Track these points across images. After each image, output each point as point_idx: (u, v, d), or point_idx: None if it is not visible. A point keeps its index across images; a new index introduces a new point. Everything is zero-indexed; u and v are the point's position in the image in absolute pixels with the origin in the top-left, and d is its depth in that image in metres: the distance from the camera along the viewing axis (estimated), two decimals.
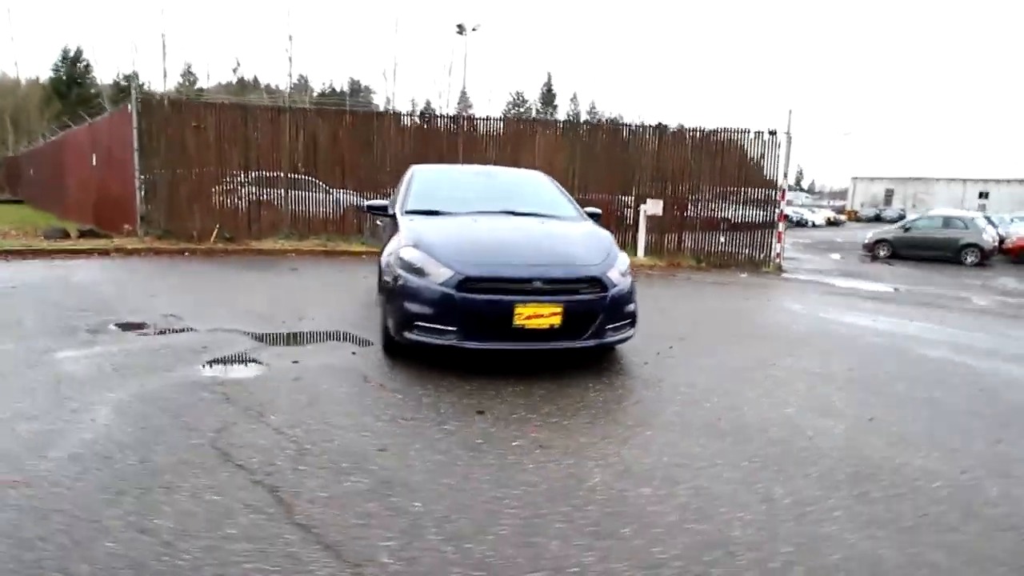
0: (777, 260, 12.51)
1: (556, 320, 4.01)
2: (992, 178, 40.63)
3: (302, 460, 2.77)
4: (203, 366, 4.23)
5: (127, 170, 11.68)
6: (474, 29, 32.63)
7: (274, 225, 12.32)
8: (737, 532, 2.34)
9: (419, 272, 4.13)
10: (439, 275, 4.03)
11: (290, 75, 37.44)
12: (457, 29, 31.91)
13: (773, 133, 12.50)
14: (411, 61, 76.07)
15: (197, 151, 11.75)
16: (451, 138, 12.71)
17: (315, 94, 42.68)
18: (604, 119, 10.88)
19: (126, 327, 5.27)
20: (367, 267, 9.65)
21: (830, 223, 37.08)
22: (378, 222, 6.01)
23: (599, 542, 2.23)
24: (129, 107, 11.42)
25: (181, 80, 41.72)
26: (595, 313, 4.13)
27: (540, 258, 4.17)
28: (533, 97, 49.22)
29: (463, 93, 42.09)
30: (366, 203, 5.64)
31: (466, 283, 3.95)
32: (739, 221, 12.65)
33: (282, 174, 12.39)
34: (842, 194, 54.30)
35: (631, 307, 4.38)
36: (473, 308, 3.95)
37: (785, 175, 12.69)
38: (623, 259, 4.49)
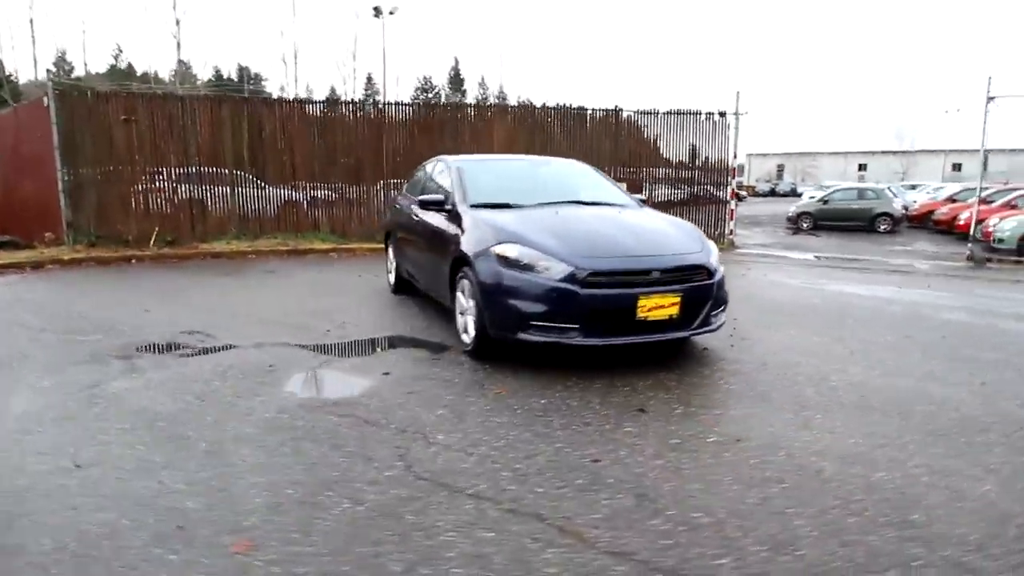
0: (730, 236, 13.12)
1: (675, 310, 3.96)
2: (869, 150, 44.83)
3: (530, 481, 2.56)
4: (291, 386, 3.82)
5: (45, 171, 10.31)
6: (391, 12, 31.47)
7: (221, 225, 11.37)
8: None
9: (527, 269, 3.93)
10: (556, 271, 3.84)
11: (180, 61, 34.42)
12: (374, 12, 30.68)
13: (723, 114, 13.04)
14: (311, 47, 72.23)
15: (128, 147, 10.60)
16: (405, 127, 12.25)
17: (200, 82, 39.58)
18: (540, 103, 10.95)
19: (155, 349, 4.66)
20: (347, 265, 9.17)
21: (737, 199, 39.33)
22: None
23: (907, 531, 2.21)
24: (45, 99, 10.07)
25: (54, 68, 37.23)
26: (705, 300, 4.11)
27: (647, 248, 4.09)
28: (441, 81, 48.50)
29: (369, 79, 40.69)
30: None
31: (589, 278, 3.81)
32: (696, 197, 13.16)
33: (226, 170, 11.45)
34: (738, 171, 57.75)
35: (725, 292, 4.40)
36: (597, 303, 3.81)
37: (735, 154, 13.28)
38: (714, 246, 4.50)
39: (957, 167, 43.56)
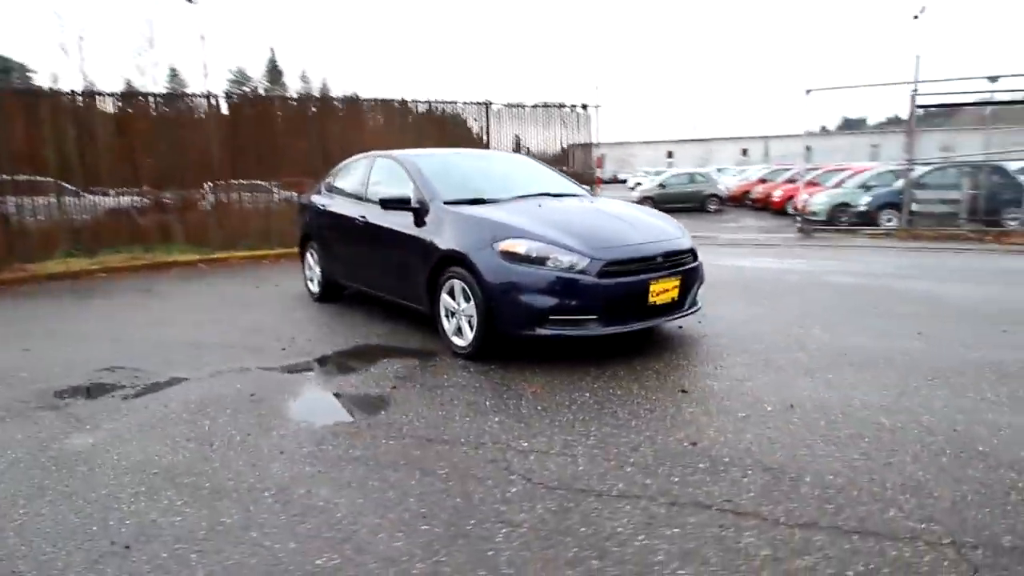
0: None
1: (675, 293, 4.13)
2: (675, 139, 49.95)
3: (659, 472, 2.53)
4: (299, 414, 3.39)
5: None
6: None
7: (49, 241, 9.62)
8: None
9: (538, 263, 3.85)
10: (572, 263, 3.81)
11: None
12: None
13: (585, 107, 13.74)
14: (101, 35, 61.92)
15: None
16: (268, 124, 11.28)
17: None
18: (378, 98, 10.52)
19: (83, 393, 3.83)
20: (229, 277, 8.26)
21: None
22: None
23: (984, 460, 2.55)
24: None
25: None
26: (695, 281, 4.34)
27: (645, 235, 4.20)
28: (257, 74, 44.92)
29: (173, 71, 36.65)
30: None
31: (605, 268, 3.83)
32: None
33: (41, 177, 9.70)
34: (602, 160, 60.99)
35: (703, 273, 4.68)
36: (614, 292, 3.85)
37: (598, 143, 14.06)
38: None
39: (745, 152, 50.20)
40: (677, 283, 4.11)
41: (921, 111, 11.88)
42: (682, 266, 4.19)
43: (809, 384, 3.52)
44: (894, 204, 13.03)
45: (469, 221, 4.27)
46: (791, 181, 19.28)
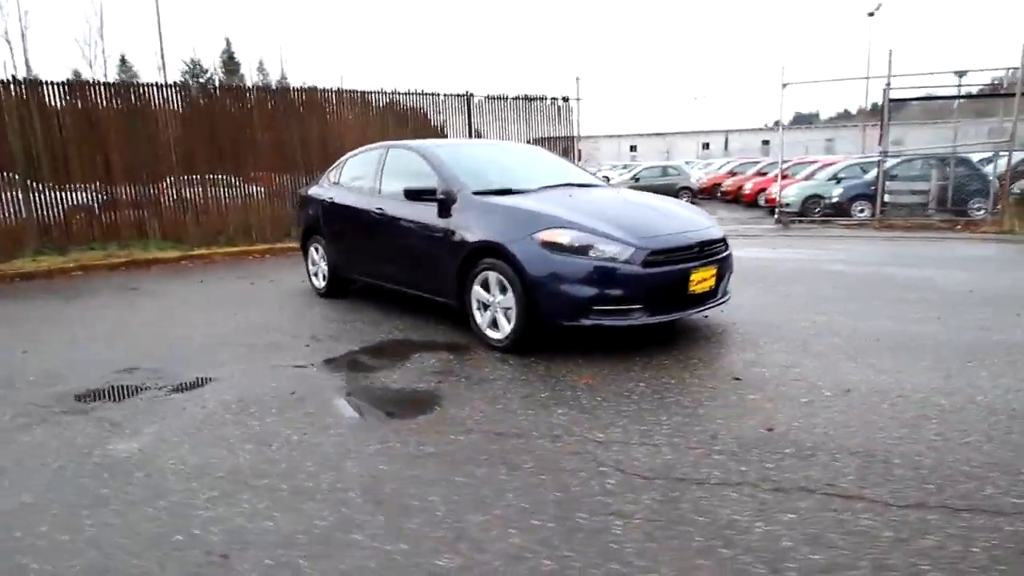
0: None
1: (712, 282, 4.15)
2: (637, 133, 50.59)
3: (750, 459, 2.52)
4: (349, 411, 3.27)
5: None
6: None
7: (16, 240, 9.11)
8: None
9: (581, 252, 3.81)
10: (617, 253, 3.78)
11: None
12: None
13: (566, 99, 13.74)
14: (47, 25, 58.19)
15: None
16: (244, 116, 10.91)
17: None
18: (339, 89, 10.26)
19: (107, 396, 3.63)
20: (218, 274, 7.98)
21: None
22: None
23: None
24: None
25: None
26: (727, 271, 4.37)
27: (680, 225, 4.20)
28: (212, 64, 43.35)
29: (123, 60, 35.29)
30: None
31: (649, 257, 3.82)
32: None
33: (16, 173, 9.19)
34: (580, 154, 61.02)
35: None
36: (657, 282, 3.84)
37: (579, 136, 14.09)
38: None
39: (706, 146, 51.14)
40: (714, 272, 4.13)
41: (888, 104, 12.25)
42: (717, 255, 4.21)
43: (855, 368, 3.58)
44: (866, 195, 13.45)
45: (504, 211, 4.19)
46: (761, 174, 19.73)
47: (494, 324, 4.21)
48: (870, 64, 29.11)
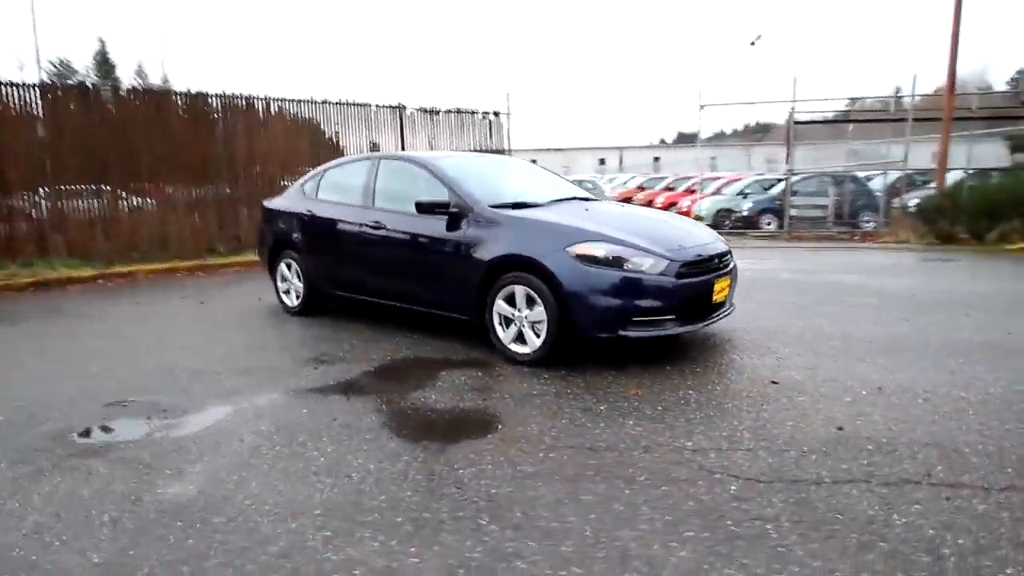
0: None
1: (727, 291, 4.36)
2: (539, 148, 51.98)
3: (831, 460, 2.66)
4: (400, 434, 3.11)
5: None
6: None
7: None
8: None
9: (616, 265, 3.86)
10: (650, 265, 3.86)
11: None
12: None
13: (497, 114, 13.86)
14: None
15: None
16: (160, 123, 10.06)
17: None
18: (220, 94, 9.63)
19: (133, 428, 3.21)
20: (151, 293, 7.35)
21: None
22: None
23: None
24: None
25: None
26: (735, 281, 4.60)
27: (696, 238, 4.36)
28: (84, 66, 39.45)
29: None
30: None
31: (681, 268, 3.94)
32: None
33: None
34: None
35: None
36: (688, 292, 3.97)
37: (510, 150, 14.23)
38: None
39: (602, 161, 53.32)
40: (728, 282, 4.34)
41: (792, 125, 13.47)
42: (729, 266, 4.42)
43: (870, 368, 3.88)
44: (771, 209, 14.63)
45: (533, 225, 4.18)
46: (670, 188, 20.87)
47: (519, 339, 4.17)
48: (795, 88, 31.69)
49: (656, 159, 51.14)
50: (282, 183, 10.40)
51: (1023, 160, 11.28)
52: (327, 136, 12.10)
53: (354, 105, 12.16)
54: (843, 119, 13.43)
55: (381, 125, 12.49)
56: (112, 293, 7.50)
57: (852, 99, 12.75)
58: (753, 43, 30.57)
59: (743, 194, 16.12)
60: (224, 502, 2.48)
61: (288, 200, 5.95)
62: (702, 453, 2.77)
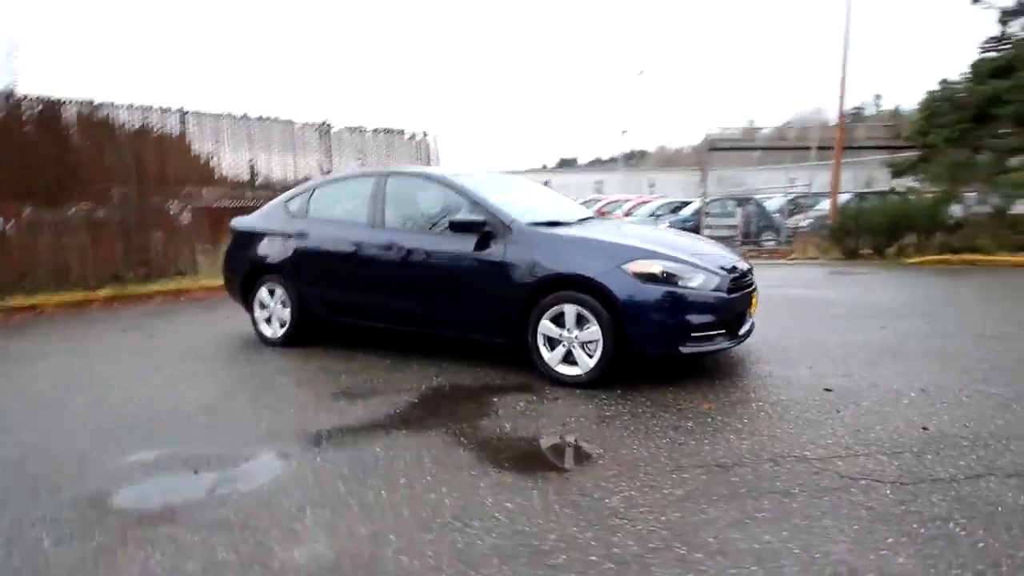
0: None
1: (755, 306, 4.52)
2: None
3: (941, 459, 2.82)
4: (514, 467, 2.92)
5: None
6: None
7: None
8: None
9: (670, 282, 3.88)
10: (703, 281, 3.92)
11: None
12: None
13: (426, 134, 13.65)
14: None
15: None
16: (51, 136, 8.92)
17: None
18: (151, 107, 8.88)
19: (190, 487, 2.73)
20: (64, 328, 6.41)
21: None
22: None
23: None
24: None
25: None
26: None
27: (726, 255, 4.49)
28: None
29: None
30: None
31: (731, 284, 4.04)
32: None
33: None
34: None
35: None
36: (736, 307, 4.07)
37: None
38: None
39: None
40: (756, 297, 4.52)
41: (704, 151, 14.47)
42: (755, 282, 4.61)
43: (894, 373, 4.16)
44: (688, 230, 15.51)
45: (583, 243, 4.12)
46: (604, 213, 21.55)
47: (568, 360, 4.06)
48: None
49: (546, 182, 52.84)
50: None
51: (903, 184, 12.92)
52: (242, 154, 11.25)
53: (278, 122, 11.46)
54: (750, 147, 14.63)
55: (306, 143, 11.87)
56: (30, 330, 6.44)
57: (756, 128, 13.87)
58: (641, 72, 32.55)
59: (655, 216, 16.99)
60: (374, 560, 2.17)
61: (267, 219, 5.45)
62: (828, 461, 2.83)
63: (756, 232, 14.95)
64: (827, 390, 3.84)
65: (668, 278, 3.90)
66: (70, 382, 4.46)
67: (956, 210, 10.70)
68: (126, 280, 9.14)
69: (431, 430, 3.40)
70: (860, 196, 13.97)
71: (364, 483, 2.77)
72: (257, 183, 11.21)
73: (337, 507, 2.56)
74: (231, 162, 10.88)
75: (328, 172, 11.82)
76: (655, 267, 3.91)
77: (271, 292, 5.32)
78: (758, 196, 16.06)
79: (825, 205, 14.41)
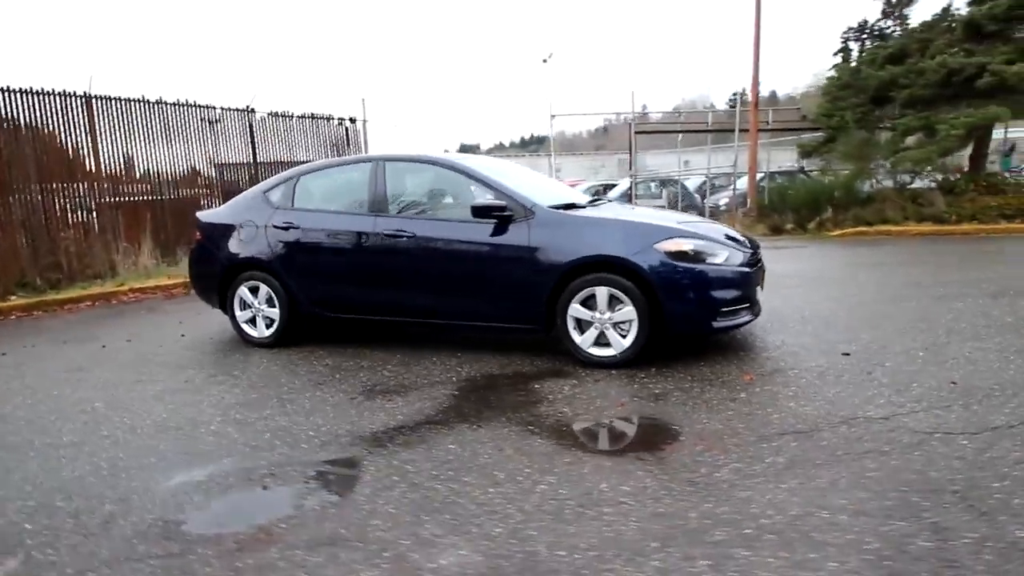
0: None
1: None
2: None
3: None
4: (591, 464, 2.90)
5: None
6: None
7: None
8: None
9: (700, 260, 3.97)
10: (727, 257, 4.03)
11: None
12: None
13: (353, 120, 13.09)
14: None
15: None
16: None
17: None
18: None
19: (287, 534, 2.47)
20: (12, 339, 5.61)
21: None
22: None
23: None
24: None
25: None
26: None
27: (733, 232, 4.65)
28: None
29: None
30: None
31: (751, 259, 4.18)
32: None
33: None
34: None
35: None
36: (754, 280, 4.22)
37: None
38: None
39: None
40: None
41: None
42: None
43: (884, 336, 4.50)
44: None
45: (609, 224, 4.11)
46: None
47: (600, 341, 4.06)
48: (634, 102, 34.18)
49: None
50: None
51: (811, 164, 13.95)
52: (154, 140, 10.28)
53: (197, 107, 10.55)
54: (672, 129, 15.23)
55: (228, 130, 11.03)
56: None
57: (677, 112, 14.45)
58: (545, 60, 32.92)
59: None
60: (531, 558, 2.08)
61: (243, 211, 5.02)
62: (894, 420, 3.01)
63: (681, 211, 15.63)
64: (845, 354, 4.08)
65: (697, 256, 3.98)
66: (49, 407, 3.92)
67: (866, 186, 11.70)
68: (38, 287, 8.14)
69: (493, 421, 3.29)
70: (771, 176, 14.93)
71: (461, 481, 2.64)
72: (175, 173, 10.31)
73: (451, 508, 2.42)
74: (147, 152, 9.91)
75: (254, 159, 11.11)
76: (686, 245, 3.98)
77: (254, 290, 4.92)
78: (677, 176, 16.78)
79: (740, 184, 15.27)
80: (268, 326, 4.92)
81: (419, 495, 2.54)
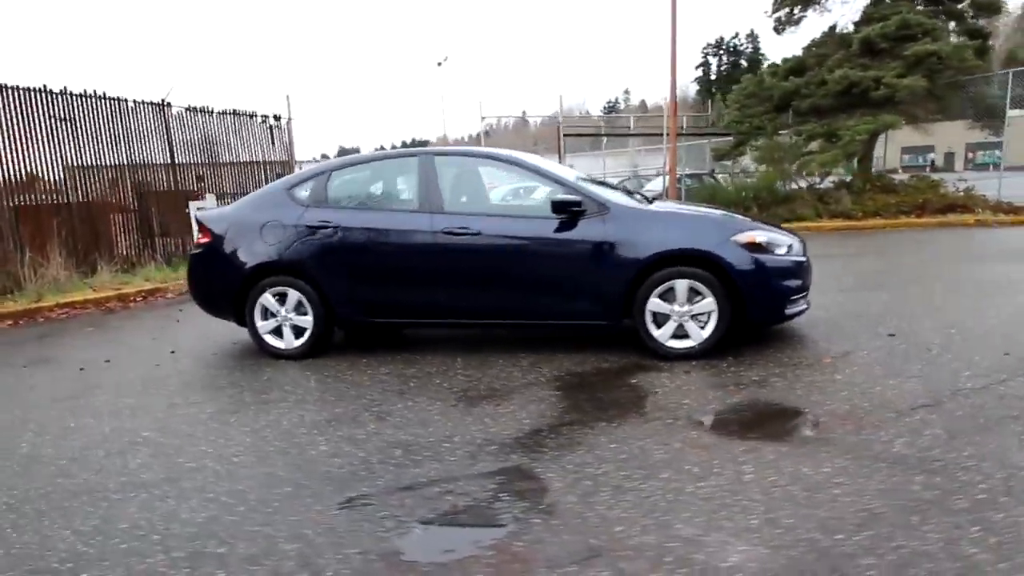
0: None
1: None
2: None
3: None
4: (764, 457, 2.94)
5: None
6: None
7: None
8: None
9: (768, 251, 4.11)
10: (789, 247, 4.22)
11: None
12: None
13: (278, 118, 12.23)
14: None
15: None
16: None
17: None
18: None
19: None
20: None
21: None
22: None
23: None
24: None
25: None
26: None
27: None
28: None
29: None
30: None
31: (805, 250, 4.40)
32: None
33: None
34: None
35: None
36: (811, 269, 4.44)
37: (295, 159, 12.71)
38: None
39: None
40: None
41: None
42: None
43: (918, 317, 4.95)
44: None
45: (687, 218, 4.18)
46: None
47: (679, 334, 4.10)
48: (562, 105, 34.08)
49: None
50: None
51: (724, 166, 15.00)
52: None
53: (105, 99, 9.35)
54: (596, 133, 15.71)
55: (141, 125, 9.88)
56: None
57: (603, 116, 14.94)
58: (440, 63, 32.70)
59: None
60: (826, 555, 2.05)
61: (265, 210, 4.51)
62: (991, 389, 3.27)
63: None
64: (891, 335, 4.41)
65: (769, 247, 4.13)
66: (82, 441, 3.28)
67: (782, 186, 12.78)
68: None
69: (630, 420, 3.20)
70: (687, 176, 15.87)
71: (660, 478, 2.55)
72: (84, 171, 9.07)
73: (683, 506, 2.33)
74: (49, 148, 8.62)
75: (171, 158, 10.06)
76: (760, 237, 4.11)
77: (281, 297, 4.44)
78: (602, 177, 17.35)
79: (655, 185, 16.09)
80: (297, 336, 4.46)
81: (634, 497, 2.42)
